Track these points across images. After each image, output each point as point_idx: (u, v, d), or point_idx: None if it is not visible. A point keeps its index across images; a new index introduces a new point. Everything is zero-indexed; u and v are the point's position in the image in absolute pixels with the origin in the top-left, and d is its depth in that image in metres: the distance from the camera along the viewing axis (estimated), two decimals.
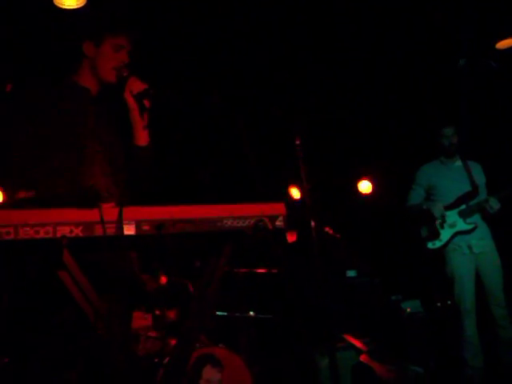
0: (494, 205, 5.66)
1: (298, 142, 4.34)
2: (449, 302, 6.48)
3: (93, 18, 3.30)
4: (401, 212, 6.42)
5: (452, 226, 5.75)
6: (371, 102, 7.79)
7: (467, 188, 5.84)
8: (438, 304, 6.87)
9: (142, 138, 3.15)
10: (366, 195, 9.29)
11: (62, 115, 2.98)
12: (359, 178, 9.27)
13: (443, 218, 5.77)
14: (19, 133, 2.91)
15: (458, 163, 6.01)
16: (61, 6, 5.10)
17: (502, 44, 6.66)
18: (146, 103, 3.06)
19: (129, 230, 2.22)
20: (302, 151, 4.41)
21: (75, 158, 2.92)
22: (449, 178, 5.95)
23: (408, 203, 6.13)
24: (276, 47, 6.36)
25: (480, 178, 5.94)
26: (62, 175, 2.85)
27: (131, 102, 3.07)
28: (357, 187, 9.27)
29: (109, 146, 3.12)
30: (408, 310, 6.68)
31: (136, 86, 3.05)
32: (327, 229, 7.66)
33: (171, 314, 5.45)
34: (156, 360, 4.66)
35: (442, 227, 5.78)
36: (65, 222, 2.17)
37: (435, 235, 5.80)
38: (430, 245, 5.84)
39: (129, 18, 3.32)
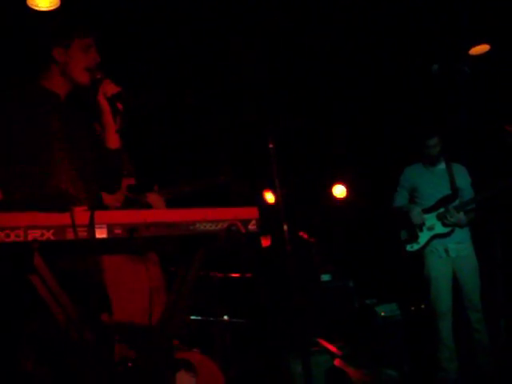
0: (450, 217, 5.70)
1: (271, 146, 4.35)
2: (422, 306, 6.53)
3: (60, 21, 3.25)
4: (385, 213, 6.45)
5: (430, 228, 5.78)
6: (346, 107, 7.81)
7: (447, 191, 5.85)
8: (412, 308, 6.91)
9: (114, 140, 3.12)
10: (340, 199, 9.32)
11: (29, 119, 2.92)
12: (333, 183, 9.30)
13: (422, 221, 5.80)
14: None
15: (442, 166, 5.98)
16: (34, 8, 5.03)
17: (476, 50, 6.72)
18: (119, 106, 3.04)
19: (100, 234, 2.20)
20: (276, 155, 4.41)
21: (41, 162, 2.87)
22: (430, 181, 5.95)
23: (393, 205, 6.16)
24: (251, 51, 6.36)
25: (464, 181, 5.92)
26: (28, 179, 2.81)
27: (104, 105, 3.03)
28: (331, 192, 9.29)
29: (78, 150, 3.08)
30: (382, 313, 6.69)
31: (110, 88, 3.02)
32: (301, 233, 7.68)
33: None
34: (130, 365, 4.61)
35: (421, 230, 5.81)
36: (36, 226, 2.14)
37: (414, 238, 5.84)
38: (408, 247, 5.87)
39: (95, 19, 3.29)
